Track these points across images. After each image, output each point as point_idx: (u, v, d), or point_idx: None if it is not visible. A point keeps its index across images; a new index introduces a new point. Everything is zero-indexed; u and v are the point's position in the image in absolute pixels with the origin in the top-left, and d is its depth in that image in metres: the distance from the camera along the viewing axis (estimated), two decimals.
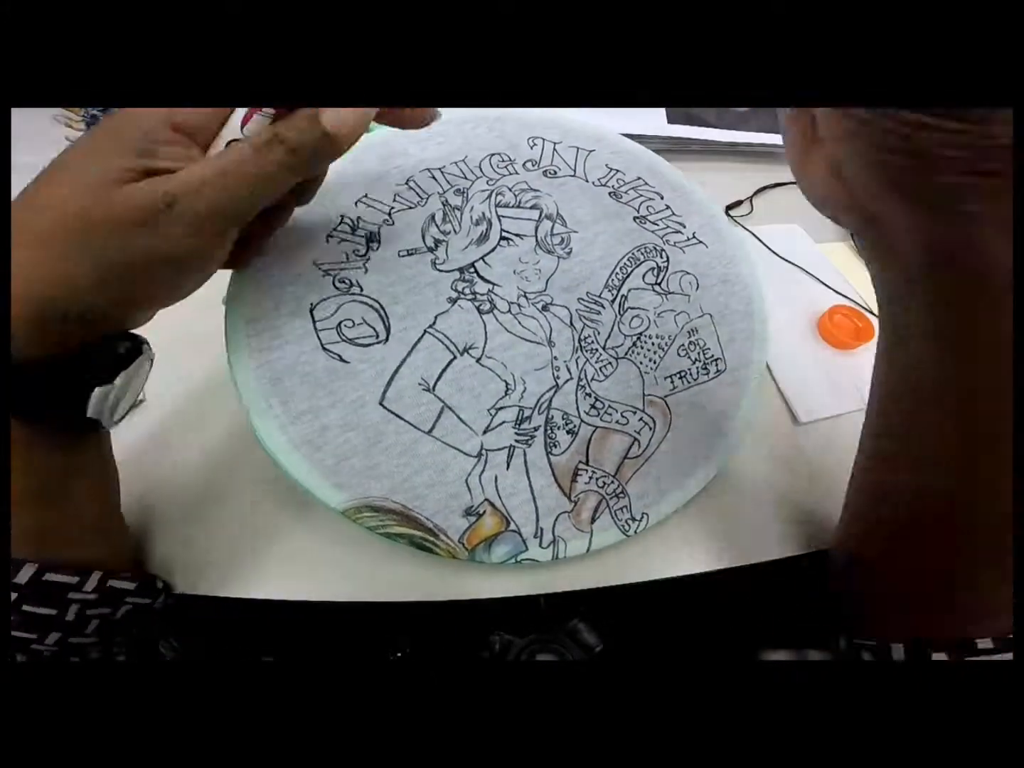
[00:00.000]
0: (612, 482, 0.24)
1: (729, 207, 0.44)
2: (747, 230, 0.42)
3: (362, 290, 0.24)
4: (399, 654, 0.29)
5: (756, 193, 0.46)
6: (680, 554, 0.26)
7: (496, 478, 0.23)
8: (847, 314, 0.36)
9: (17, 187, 0.16)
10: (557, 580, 0.25)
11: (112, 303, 0.17)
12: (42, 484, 0.18)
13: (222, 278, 0.25)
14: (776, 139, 0.50)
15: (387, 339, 0.23)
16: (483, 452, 0.23)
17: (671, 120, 0.48)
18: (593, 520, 0.24)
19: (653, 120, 0.47)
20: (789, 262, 0.40)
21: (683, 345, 0.27)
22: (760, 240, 0.41)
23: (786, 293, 0.38)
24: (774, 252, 0.41)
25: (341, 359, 0.23)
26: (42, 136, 0.34)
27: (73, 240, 0.15)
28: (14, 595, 0.18)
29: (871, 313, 0.37)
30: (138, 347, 0.19)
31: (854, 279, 0.41)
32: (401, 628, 0.30)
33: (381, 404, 0.23)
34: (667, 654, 0.32)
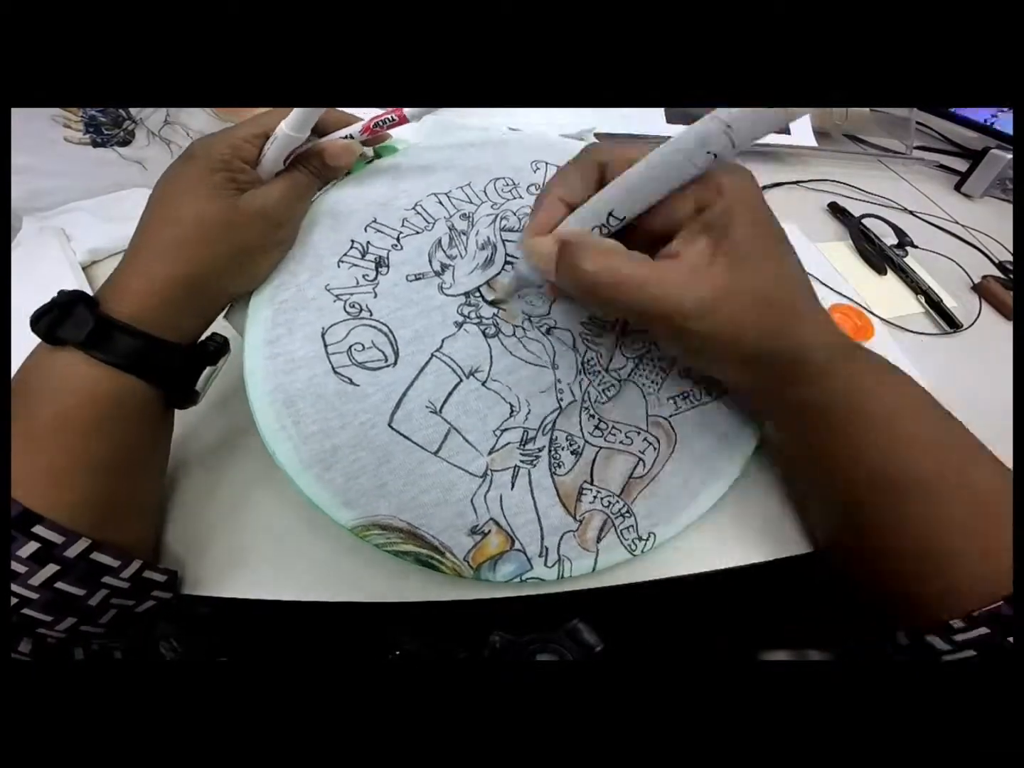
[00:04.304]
0: (617, 502, 0.25)
1: None
2: None
3: (372, 315, 0.24)
4: (397, 652, 0.29)
5: None
6: (681, 555, 0.26)
7: (501, 497, 0.24)
8: (847, 313, 0.36)
9: (17, 187, 0.17)
10: (555, 588, 0.25)
11: (233, 279, 0.23)
12: (128, 452, 0.21)
13: None
14: (776, 139, 0.51)
15: (396, 363, 0.24)
16: (488, 472, 0.24)
17: (671, 120, 0.48)
18: (599, 540, 0.24)
19: (653, 120, 0.47)
20: None
21: (684, 366, 0.28)
22: None
23: None
24: None
25: (351, 382, 0.23)
26: (42, 136, 0.34)
27: (217, 232, 0.21)
28: (55, 568, 0.18)
29: (870, 312, 0.39)
30: (227, 342, 0.24)
31: (853, 279, 0.42)
32: (401, 628, 0.30)
33: (390, 426, 0.23)
34: (667, 654, 0.32)
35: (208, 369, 0.23)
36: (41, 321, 0.19)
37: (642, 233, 0.21)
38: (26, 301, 0.20)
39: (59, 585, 0.18)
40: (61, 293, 0.20)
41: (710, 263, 0.19)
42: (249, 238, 0.22)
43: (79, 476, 0.19)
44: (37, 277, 0.32)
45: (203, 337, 0.24)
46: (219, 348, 0.24)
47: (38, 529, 0.17)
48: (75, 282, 0.32)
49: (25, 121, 0.30)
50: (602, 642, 0.32)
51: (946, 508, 0.20)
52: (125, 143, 0.37)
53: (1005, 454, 0.28)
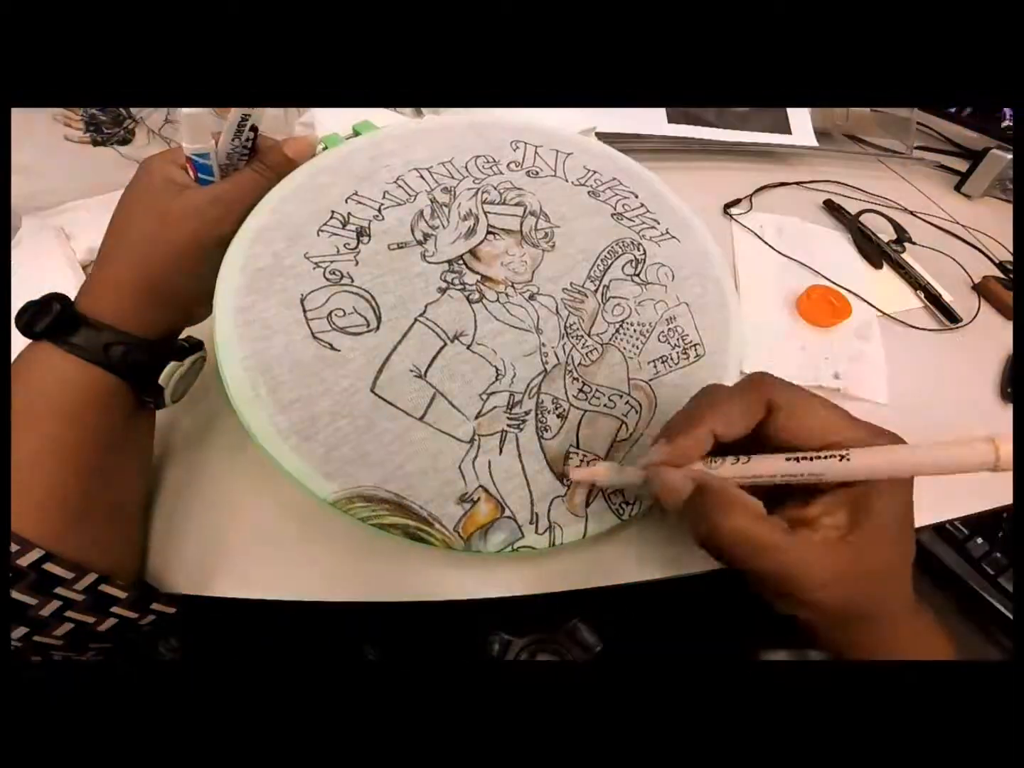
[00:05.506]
0: None
1: (728, 205, 0.44)
2: (740, 224, 0.43)
3: (352, 281, 0.24)
4: (370, 657, 0.28)
5: (756, 192, 0.47)
6: (682, 556, 0.26)
7: (489, 463, 0.23)
8: (823, 294, 0.38)
9: (17, 186, 0.17)
10: (555, 577, 0.25)
11: (186, 275, 0.23)
12: (99, 442, 0.21)
13: None
14: (776, 139, 0.51)
15: (378, 327, 0.24)
16: (475, 437, 0.23)
17: (671, 120, 0.48)
18: (587, 505, 0.24)
19: (653, 120, 0.47)
20: (771, 247, 0.42)
21: (663, 332, 0.28)
22: (749, 229, 0.43)
23: (765, 275, 0.40)
24: (760, 238, 0.42)
25: (332, 347, 0.23)
26: (42, 136, 0.35)
27: (154, 236, 0.23)
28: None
29: (868, 303, 0.39)
30: (199, 344, 0.25)
31: (851, 272, 0.42)
32: (400, 628, 0.30)
33: (372, 391, 0.23)
34: (667, 654, 0.31)
35: (172, 365, 0.23)
36: (23, 317, 0.21)
37: None
38: (26, 300, 0.21)
39: (13, 594, 0.18)
40: (43, 296, 0.22)
41: (843, 539, 0.19)
42: (184, 235, 0.23)
43: (48, 463, 0.20)
44: (37, 276, 0.33)
45: (181, 337, 0.25)
46: (189, 348, 0.25)
47: None
48: (75, 281, 0.33)
49: (25, 120, 0.32)
50: (602, 642, 0.31)
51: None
52: (125, 142, 0.38)
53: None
